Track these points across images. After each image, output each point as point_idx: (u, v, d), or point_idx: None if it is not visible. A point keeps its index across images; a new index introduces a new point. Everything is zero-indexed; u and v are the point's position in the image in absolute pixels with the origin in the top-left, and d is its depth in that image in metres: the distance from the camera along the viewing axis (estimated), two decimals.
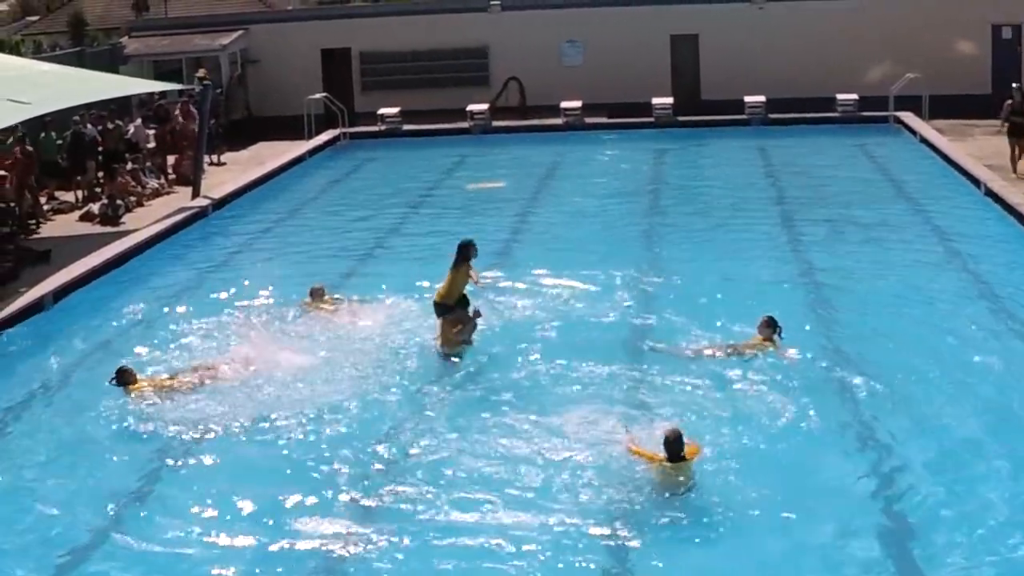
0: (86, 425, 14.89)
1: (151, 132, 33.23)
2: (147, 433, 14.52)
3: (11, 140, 27.85)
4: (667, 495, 12.30)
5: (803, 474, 12.78)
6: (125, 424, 14.76)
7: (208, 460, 13.82)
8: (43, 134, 28.70)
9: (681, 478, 12.35)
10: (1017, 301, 18.26)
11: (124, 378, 15.53)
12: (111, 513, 12.67)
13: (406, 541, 11.70)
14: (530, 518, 11.95)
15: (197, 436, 14.35)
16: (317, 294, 18.88)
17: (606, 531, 11.74)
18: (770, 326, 16.06)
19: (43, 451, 14.35)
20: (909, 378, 15.24)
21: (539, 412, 14.35)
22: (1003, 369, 15.56)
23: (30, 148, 27.52)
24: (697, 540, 11.63)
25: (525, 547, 11.44)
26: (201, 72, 36.05)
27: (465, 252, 17.15)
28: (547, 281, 19.80)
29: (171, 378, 15.74)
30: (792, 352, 16.00)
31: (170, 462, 13.82)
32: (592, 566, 11.24)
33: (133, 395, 15.32)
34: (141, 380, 15.59)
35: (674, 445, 12.36)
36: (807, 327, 17.34)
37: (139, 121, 33.07)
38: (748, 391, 14.87)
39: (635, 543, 11.57)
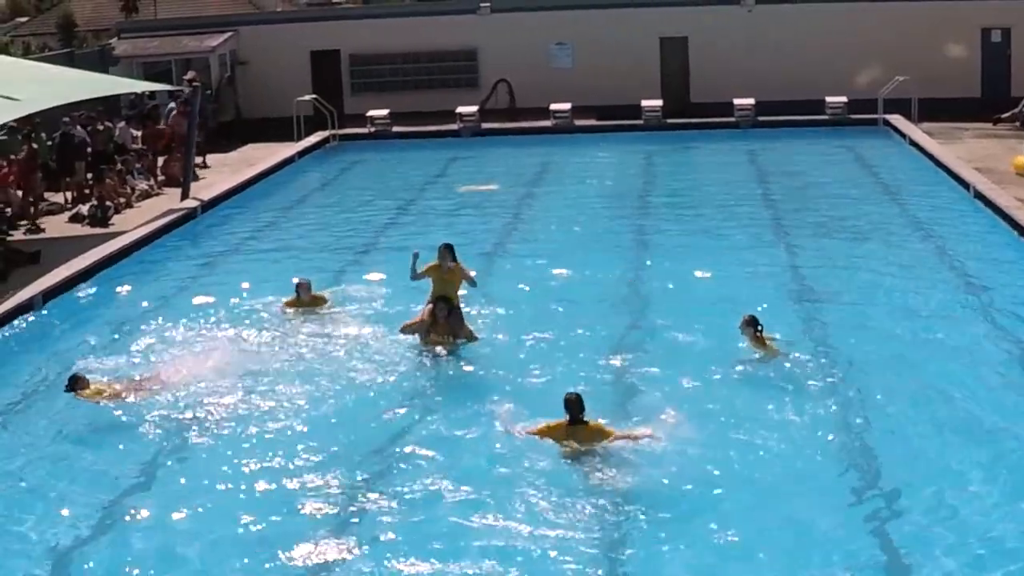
0: (72, 427, 14.82)
1: (138, 134, 33.19)
2: (137, 437, 14.39)
3: (19, 137, 28.27)
4: (570, 457, 12.93)
5: (797, 481, 12.75)
6: (115, 427, 14.69)
7: (181, 469, 13.60)
8: (19, 136, 28.66)
9: (578, 442, 13.06)
10: (1010, 303, 18.27)
11: (75, 384, 15.29)
12: (80, 525, 12.41)
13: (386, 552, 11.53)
14: (514, 524, 11.86)
15: (167, 444, 14.18)
16: (303, 289, 18.77)
17: (593, 540, 11.63)
18: (751, 324, 16.06)
19: (27, 453, 14.24)
20: (898, 379, 15.29)
21: (527, 417, 14.27)
22: (997, 373, 15.59)
23: (35, 146, 27.74)
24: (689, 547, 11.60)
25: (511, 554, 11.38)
26: (190, 74, 36.00)
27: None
28: (537, 283, 19.81)
29: (120, 385, 15.52)
30: (783, 351, 16.05)
31: (150, 468, 13.66)
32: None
33: (93, 400, 15.14)
34: (96, 385, 15.37)
35: (575, 406, 13.14)
36: (796, 328, 17.35)
37: (123, 123, 32.98)
38: (740, 393, 14.91)
39: (618, 546, 11.53)
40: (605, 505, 12.23)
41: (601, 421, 13.47)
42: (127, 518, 12.51)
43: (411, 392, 15.57)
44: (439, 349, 16.62)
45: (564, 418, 13.29)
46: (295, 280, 19.09)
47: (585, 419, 13.26)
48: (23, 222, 26.41)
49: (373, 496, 12.61)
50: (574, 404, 13.25)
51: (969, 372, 15.55)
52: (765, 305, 17.54)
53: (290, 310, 18.74)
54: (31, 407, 15.66)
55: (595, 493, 12.45)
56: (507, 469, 13.03)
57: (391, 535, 11.79)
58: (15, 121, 26.46)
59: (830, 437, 13.70)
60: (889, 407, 14.50)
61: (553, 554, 11.31)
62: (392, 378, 15.95)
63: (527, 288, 19.68)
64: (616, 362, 16.30)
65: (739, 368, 15.66)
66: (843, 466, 13.02)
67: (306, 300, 18.75)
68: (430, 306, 17.04)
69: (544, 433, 13.35)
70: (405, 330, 17.08)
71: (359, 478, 13.05)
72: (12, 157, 27.19)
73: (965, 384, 15.12)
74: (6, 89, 23.02)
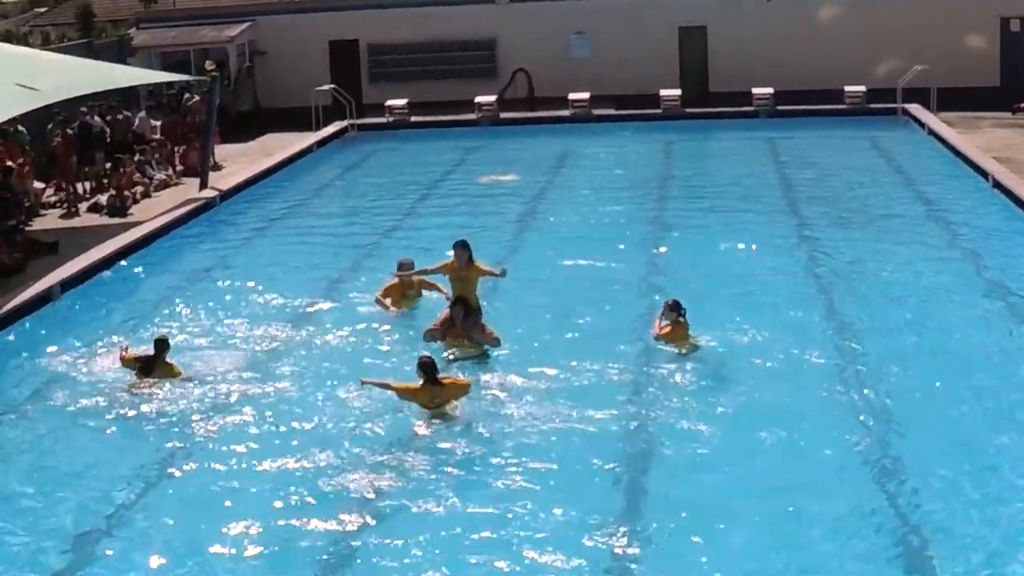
0: (90, 417, 14.85)
1: (157, 124, 33.28)
2: (151, 428, 14.43)
3: (52, 125, 28.74)
4: (428, 419, 13.81)
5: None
6: (131, 417, 14.74)
7: (211, 457, 13.53)
8: (50, 125, 28.79)
9: (438, 400, 14.05)
10: None
11: (163, 345, 15.64)
12: (106, 516, 12.41)
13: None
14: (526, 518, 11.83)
15: (201, 436, 14.16)
16: (406, 268, 17.99)
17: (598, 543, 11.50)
18: (674, 309, 15.95)
19: (43, 444, 14.29)
20: (909, 369, 15.28)
21: (544, 416, 14.12)
22: (1009, 364, 15.50)
23: (70, 131, 28.27)
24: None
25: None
26: (209, 64, 36.04)
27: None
28: (555, 273, 19.82)
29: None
30: (703, 339, 16.00)
31: (167, 462, 13.62)
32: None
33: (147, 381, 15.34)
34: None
35: (428, 368, 14.10)
36: (813, 317, 17.35)
37: (143, 112, 33.03)
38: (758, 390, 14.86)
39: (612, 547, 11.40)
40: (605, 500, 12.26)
41: (458, 377, 14.65)
42: (143, 509, 12.53)
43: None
44: (453, 354, 15.97)
45: (418, 381, 14.09)
46: (400, 260, 18.43)
47: (440, 379, 14.18)
48: (61, 205, 27.18)
49: (379, 507, 12.37)
50: (428, 366, 14.14)
51: (979, 367, 15.43)
52: (781, 294, 17.50)
53: (388, 300, 17.98)
54: (50, 396, 15.66)
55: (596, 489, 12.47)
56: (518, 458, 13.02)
57: (400, 542, 11.62)
58: (40, 111, 26.59)
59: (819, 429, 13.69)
60: (886, 400, 14.45)
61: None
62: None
63: (546, 277, 19.65)
64: (633, 353, 16.22)
65: (736, 363, 15.58)
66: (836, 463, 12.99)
67: (408, 283, 18.04)
68: (446, 309, 16.62)
69: (405, 394, 14.11)
70: (427, 336, 16.50)
71: (365, 485, 12.75)
72: (25, 148, 27.35)
73: (973, 380, 14.99)
74: (26, 80, 23.12)
